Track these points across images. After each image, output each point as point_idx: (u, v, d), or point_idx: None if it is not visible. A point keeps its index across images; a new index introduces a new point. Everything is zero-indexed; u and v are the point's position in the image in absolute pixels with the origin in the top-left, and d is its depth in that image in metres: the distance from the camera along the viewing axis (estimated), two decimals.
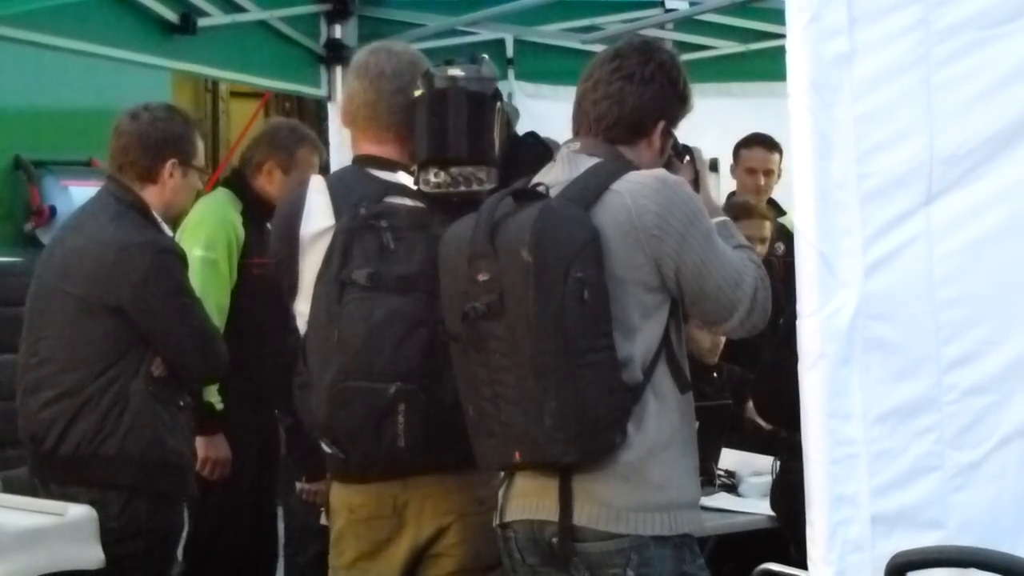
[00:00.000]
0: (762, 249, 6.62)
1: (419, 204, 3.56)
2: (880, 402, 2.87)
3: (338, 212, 3.55)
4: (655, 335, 3.20)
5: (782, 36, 2.93)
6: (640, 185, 3.18)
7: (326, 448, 3.60)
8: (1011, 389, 2.96)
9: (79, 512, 4.33)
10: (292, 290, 3.70)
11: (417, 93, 3.53)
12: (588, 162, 3.27)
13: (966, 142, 2.91)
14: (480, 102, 3.48)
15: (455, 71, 3.50)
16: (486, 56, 3.55)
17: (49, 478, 4.47)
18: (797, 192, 2.86)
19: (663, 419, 3.20)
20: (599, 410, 3.10)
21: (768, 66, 6.06)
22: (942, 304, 2.92)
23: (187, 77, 11.56)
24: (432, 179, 3.49)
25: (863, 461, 2.85)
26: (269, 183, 5.49)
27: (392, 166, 3.65)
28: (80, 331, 4.40)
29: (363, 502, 3.65)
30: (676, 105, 3.37)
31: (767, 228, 6.46)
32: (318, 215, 3.60)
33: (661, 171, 3.27)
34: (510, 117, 3.63)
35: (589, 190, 3.18)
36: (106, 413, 4.31)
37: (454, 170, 3.48)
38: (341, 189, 3.62)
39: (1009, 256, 2.96)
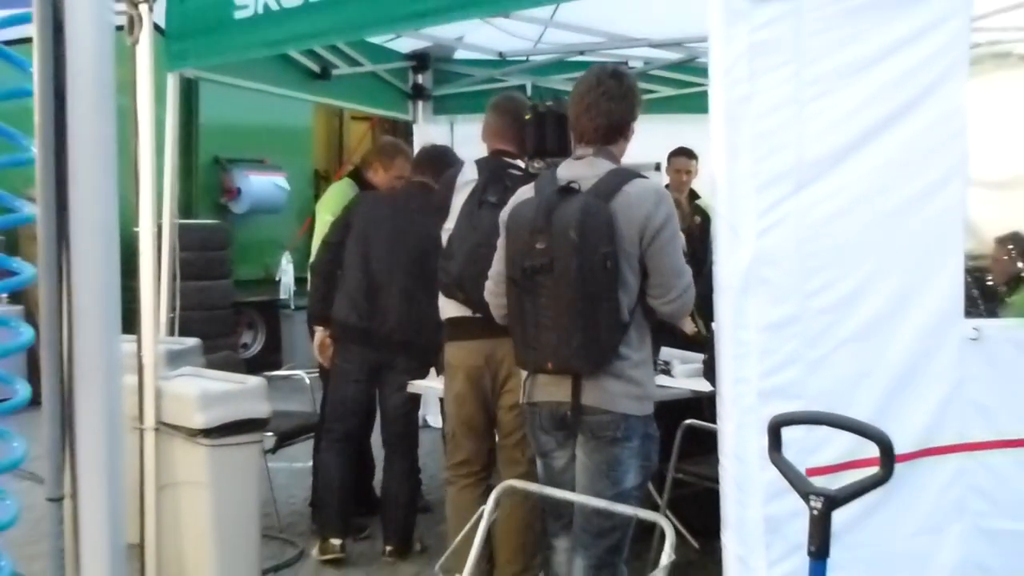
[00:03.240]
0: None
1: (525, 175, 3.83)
2: (765, 317, 2.85)
3: (480, 173, 3.94)
4: (637, 287, 3.14)
5: (705, 85, 2.89)
6: (643, 190, 3.14)
7: (455, 309, 3.87)
8: (844, 312, 2.93)
9: (255, 381, 4.36)
10: (444, 213, 3.97)
11: (527, 116, 3.81)
12: (603, 165, 3.22)
13: (823, 152, 2.86)
14: (564, 121, 3.53)
15: (550, 104, 3.79)
16: (564, 98, 3.54)
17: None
18: (717, 183, 2.83)
19: (641, 342, 3.16)
20: (607, 340, 3.07)
21: (695, 104, 5.92)
22: (805, 256, 2.88)
23: (323, 107, 11.55)
24: (535, 165, 3.77)
25: (754, 356, 2.84)
26: (375, 176, 5.49)
27: (511, 155, 3.99)
28: (418, 268, 4.66)
29: (467, 355, 3.92)
30: (636, 112, 3.32)
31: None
32: (468, 175, 3.96)
33: (657, 184, 3.31)
34: None
35: (610, 188, 3.13)
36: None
37: (548, 159, 3.70)
38: (482, 164, 3.99)
39: (844, 225, 2.92)
